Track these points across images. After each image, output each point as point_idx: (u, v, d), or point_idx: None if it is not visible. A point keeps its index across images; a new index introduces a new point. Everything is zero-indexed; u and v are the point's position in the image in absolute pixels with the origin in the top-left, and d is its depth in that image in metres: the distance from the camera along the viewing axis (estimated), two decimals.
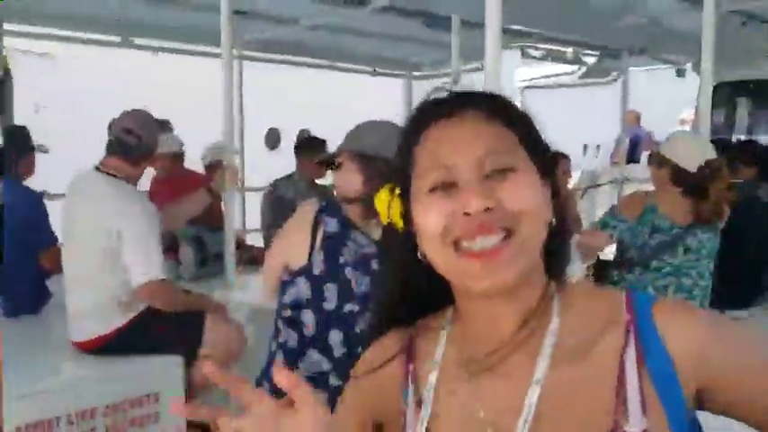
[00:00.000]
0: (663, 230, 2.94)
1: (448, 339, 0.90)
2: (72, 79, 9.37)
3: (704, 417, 0.84)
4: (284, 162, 5.23)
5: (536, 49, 6.10)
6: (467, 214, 0.77)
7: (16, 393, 2.47)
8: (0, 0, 3.27)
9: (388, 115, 2.02)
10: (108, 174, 3.07)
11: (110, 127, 3.24)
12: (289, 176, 4.82)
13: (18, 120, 4.35)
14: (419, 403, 0.88)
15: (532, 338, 0.82)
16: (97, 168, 3.12)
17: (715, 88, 5.59)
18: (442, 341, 0.90)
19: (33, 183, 3.66)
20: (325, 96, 10.73)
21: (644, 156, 7.77)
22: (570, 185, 5.80)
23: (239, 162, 5.57)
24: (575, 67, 7.35)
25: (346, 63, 6.30)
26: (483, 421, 0.83)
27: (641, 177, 3.33)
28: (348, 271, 1.82)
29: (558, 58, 6.55)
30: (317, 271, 1.83)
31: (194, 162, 4.87)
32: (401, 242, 0.88)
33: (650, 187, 3.17)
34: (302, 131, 8.02)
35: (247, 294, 3.65)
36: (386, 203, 0.90)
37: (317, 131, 5.33)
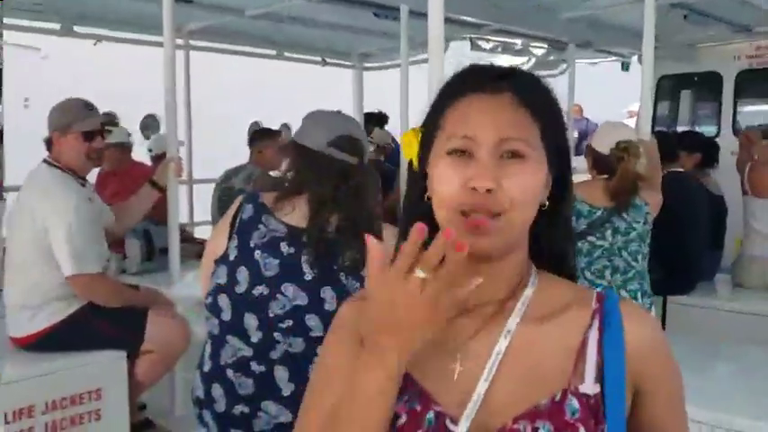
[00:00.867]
0: (584, 215, 3.04)
1: None
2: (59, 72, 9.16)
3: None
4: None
5: (486, 41, 6.12)
6: (473, 188, 0.86)
7: None
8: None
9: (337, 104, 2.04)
10: (52, 165, 3.01)
11: None
12: (240, 168, 4.76)
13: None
14: None
15: (509, 302, 0.93)
16: (44, 160, 3.06)
17: (659, 81, 5.73)
18: None
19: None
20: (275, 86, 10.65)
21: None
22: None
23: (186, 154, 5.49)
24: (524, 59, 7.41)
25: (295, 53, 6.23)
26: (452, 350, 0.92)
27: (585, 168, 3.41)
28: (257, 254, 1.82)
29: (508, 49, 6.59)
30: (232, 256, 1.84)
31: None
32: (413, 180, 1.00)
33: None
34: (254, 123, 7.95)
35: (193, 288, 3.59)
36: (409, 144, 0.99)
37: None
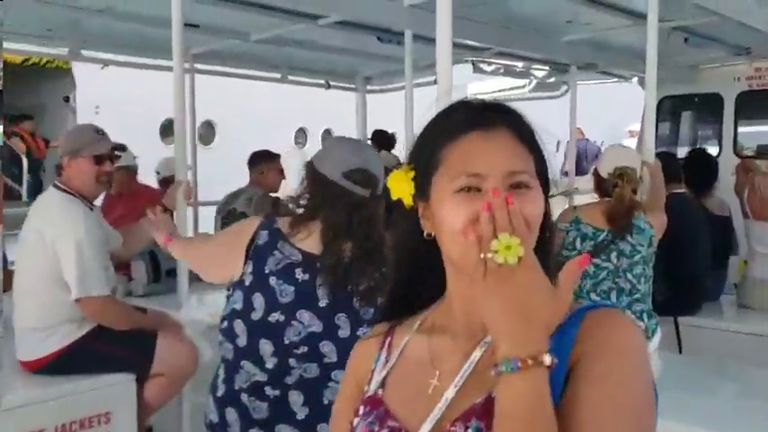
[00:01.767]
0: (588, 237, 3.07)
1: (428, 317, 1.06)
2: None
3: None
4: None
5: (488, 63, 6.18)
6: None
7: None
8: None
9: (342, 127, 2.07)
10: (62, 189, 3.03)
11: None
12: (240, 191, 4.79)
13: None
14: (386, 362, 1.06)
15: None
16: (54, 184, 3.09)
17: (660, 102, 5.77)
18: (421, 317, 1.07)
19: None
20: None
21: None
22: None
23: (191, 177, 5.51)
24: (525, 81, 7.48)
25: (299, 76, 6.29)
26: (432, 367, 0.98)
27: (588, 188, 3.45)
28: (272, 280, 1.84)
29: (509, 72, 6.65)
30: (247, 282, 1.86)
31: None
32: (405, 216, 1.02)
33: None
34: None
35: (201, 311, 3.60)
36: (398, 182, 1.00)
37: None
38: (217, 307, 2.11)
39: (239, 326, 1.85)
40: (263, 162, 4.88)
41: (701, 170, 4.51)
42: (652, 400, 0.88)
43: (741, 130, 6.03)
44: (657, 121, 5.81)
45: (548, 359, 0.79)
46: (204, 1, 3.84)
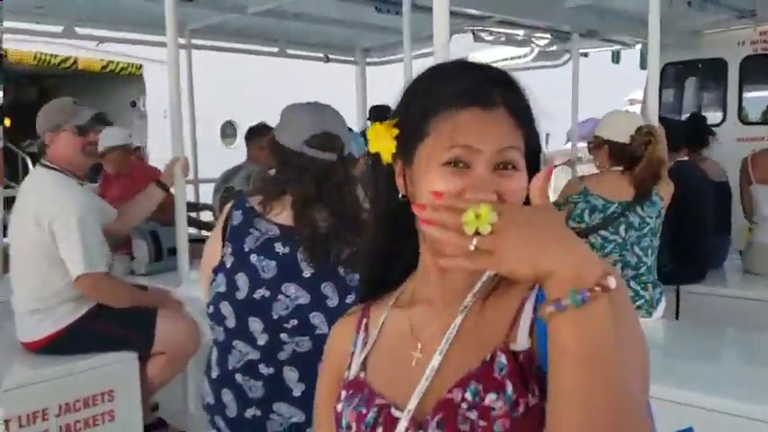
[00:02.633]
0: (598, 209, 3.00)
1: (404, 290, 1.05)
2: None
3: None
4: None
5: (488, 32, 6.10)
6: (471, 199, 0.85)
7: None
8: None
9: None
10: (49, 167, 3.00)
11: None
12: (238, 168, 4.75)
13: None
14: (365, 344, 1.05)
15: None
16: (41, 163, 3.06)
17: (663, 68, 5.70)
18: (398, 292, 1.06)
19: None
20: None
21: None
22: None
23: (191, 154, 5.48)
24: (527, 50, 7.39)
25: (297, 50, 6.22)
26: (413, 339, 0.98)
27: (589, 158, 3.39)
28: (253, 258, 1.82)
29: (510, 41, 6.56)
30: (228, 264, 1.84)
31: None
32: (382, 174, 1.00)
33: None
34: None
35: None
36: (377, 137, 0.98)
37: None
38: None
39: (226, 308, 1.83)
40: (260, 137, 4.83)
41: (695, 136, 4.45)
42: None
43: (746, 95, 5.95)
44: (661, 88, 5.78)
45: (612, 281, 0.73)
46: None
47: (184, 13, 4.26)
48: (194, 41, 5.49)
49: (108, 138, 4.55)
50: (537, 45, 6.70)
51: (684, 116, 6.16)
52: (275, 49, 6.01)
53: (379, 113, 6.10)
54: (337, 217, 1.82)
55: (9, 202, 3.63)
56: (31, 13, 4.53)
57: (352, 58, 6.56)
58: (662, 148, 2.97)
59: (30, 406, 2.77)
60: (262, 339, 1.81)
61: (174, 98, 3.30)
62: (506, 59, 9.09)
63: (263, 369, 1.82)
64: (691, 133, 4.36)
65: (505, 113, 0.91)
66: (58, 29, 4.95)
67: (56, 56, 9.90)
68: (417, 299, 1.02)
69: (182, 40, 5.03)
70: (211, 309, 1.86)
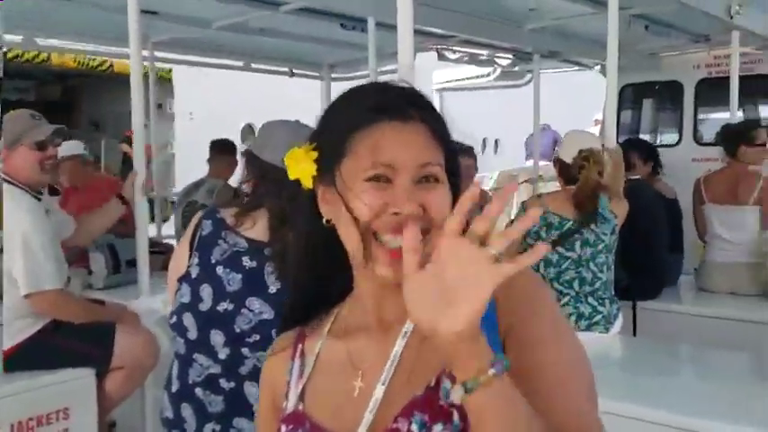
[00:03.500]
0: (554, 226, 3.07)
1: (338, 317, 1.03)
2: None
3: None
4: None
5: (452, 51, 6.18)
6: (396, 213, 0.87)
7: None
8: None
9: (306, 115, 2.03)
10: (5, 180, 2.93)
11: None
12: (200, 182, 4.73)
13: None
14: (302, 373, 1.02)
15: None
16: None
17: (622, 89, 5.83)
18: (332, 318, 1.04)
19: None
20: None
21: None
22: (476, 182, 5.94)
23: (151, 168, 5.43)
24: (490, 69, 7.50)
25: (262, 64, 6.22)
26: (353, 368, 0.96)
27: (552, 176, 3.46)
28: (219, 269, 1.81)
29: (474, 60, 6.66)
30: (194, 274, 1.83)
31: None
32: (304, 199, 0.99)
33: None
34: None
35: (159, 300, 3.54)
36: (297, 162, 0.98)
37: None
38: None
39: (188, 319, 1.82)
40: (226, 153, 4.82)
41: (647, 156, 4.61)
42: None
43: (701, 117, 6.12)
44: (619, 109, 5.91)
45: (499, 367, 0.74)
46: None
47: (148, 25, 4.23)
48: (157, 54, 5.45)
49: (61, 149, 4.47)
50: (499, 65, 6.81)
51: (643, 137, 6.32)
52: (240, 63, 6.00)
53: None
54: None
55: None
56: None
57: (318, 74, 6.57)
58: (608, 171, 3.06)
59: None
60: (223, 353, 1.79)
61: (137, 113, 3.28)
62: (470, 78, 9.23)
63: (224, 383, 1.80)
64: (656, 162, 4.58)
65: (423, 128, 0.92)
66: (18, 38, 4.87)
67: (94, 59, 10.83)
68: (352, 326, 1.00)
69: (145, 53, 5.00)
70: (174, 319, 1.85)
